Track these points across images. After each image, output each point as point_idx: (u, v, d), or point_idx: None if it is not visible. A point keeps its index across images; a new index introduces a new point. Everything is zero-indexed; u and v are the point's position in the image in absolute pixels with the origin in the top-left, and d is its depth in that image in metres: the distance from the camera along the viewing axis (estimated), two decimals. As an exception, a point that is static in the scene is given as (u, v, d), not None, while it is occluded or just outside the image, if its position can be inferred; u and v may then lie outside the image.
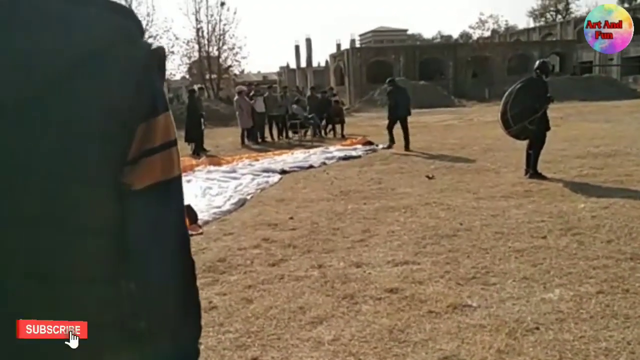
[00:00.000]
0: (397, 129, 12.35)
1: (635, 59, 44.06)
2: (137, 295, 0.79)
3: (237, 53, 35.76)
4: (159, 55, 0.79)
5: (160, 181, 0.78)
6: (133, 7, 27.93)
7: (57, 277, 0.73)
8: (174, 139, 0.80)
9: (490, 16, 55.18)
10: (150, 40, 0.78)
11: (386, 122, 13.08)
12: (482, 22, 49.93)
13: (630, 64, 44.82)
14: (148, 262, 0.79)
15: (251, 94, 16.33)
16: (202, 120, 14.04)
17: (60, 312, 0.73)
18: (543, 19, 71.11)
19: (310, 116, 16.43)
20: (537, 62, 8.06)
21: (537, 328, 3.06)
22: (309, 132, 16.76)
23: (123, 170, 0.75)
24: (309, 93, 19.15)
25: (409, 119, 12.48)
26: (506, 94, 7.81)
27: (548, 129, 7.77)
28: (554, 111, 9.91)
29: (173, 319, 0.83)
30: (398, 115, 12.35)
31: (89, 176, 0.72)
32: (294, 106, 16.82)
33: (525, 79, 8.01)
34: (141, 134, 0.75)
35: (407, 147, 12.01)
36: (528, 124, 7.53)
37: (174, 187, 0.81)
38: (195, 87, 16.59)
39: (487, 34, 51.28)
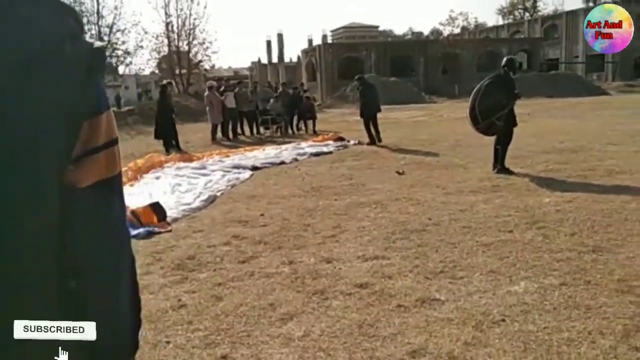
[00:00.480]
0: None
1: (599, 56, 45.32)
2: (85, 293, 0.79)
3: (207, 48, 35.44)
4: (101, 54, 0.81)
5: (105, 178, 0.80)
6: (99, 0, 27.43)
7: (4, 274, 0.71)
8: (116, 137, 0.82)
9: (460, 13, 56.23)
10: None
11: (357, 118, 13.14)
12: (452, 19, 50.85)
13: (594, 61, 46.09)
14: (97, 258, 0.79)
15: (222, 89, 16.16)
16: (173, 116, 13.74)
17: (7, 309, 0.72)
18: (511, 16, 72.49)
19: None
20: (504, 59, 8.17)
21: (503, 320, 3.13)
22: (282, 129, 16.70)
23: (67, 169, 0.75)
24: (280, 89, 19.07)
25: (379, 114, 12.62)
26: (474, 90, 7.90)
27: (515, 125, 7.91)
28: (521, 107, 10.11)
29: (122, 314, 0.84)
30: (370, 112, 12.44)
31: (35, 174, 0.72)
32: (271, 100, 16.72)
33: (493, 75, 8.12)
34: (85, 132, 0.76)
35: (377, 143, 12.13)
36: (496, 120, 7.65)
37: (117, 184, 0.83)
38: (165, 81, 16.33)
39: (457, 31, 52.20)
